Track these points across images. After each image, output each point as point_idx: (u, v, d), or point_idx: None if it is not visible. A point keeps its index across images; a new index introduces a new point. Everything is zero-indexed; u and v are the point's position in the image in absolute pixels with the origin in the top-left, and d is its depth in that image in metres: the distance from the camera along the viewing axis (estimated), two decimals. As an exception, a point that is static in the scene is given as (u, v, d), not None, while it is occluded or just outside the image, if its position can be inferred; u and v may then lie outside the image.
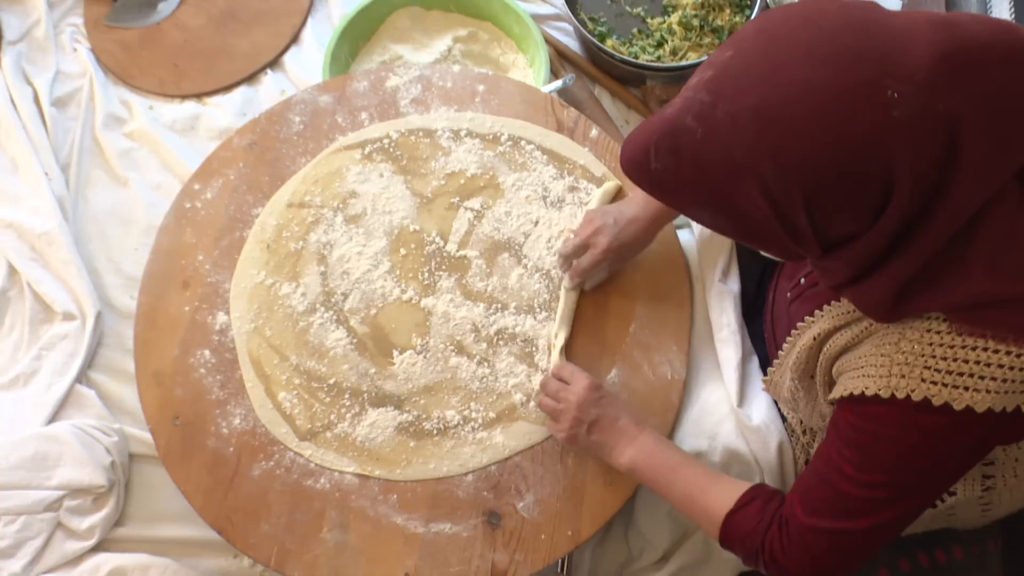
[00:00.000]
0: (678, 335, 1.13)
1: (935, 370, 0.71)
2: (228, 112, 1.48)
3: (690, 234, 1.21)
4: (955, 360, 0.70)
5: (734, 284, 1.14)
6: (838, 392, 0.80)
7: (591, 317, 1.14)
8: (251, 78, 1.53)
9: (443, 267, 1.18)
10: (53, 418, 1.22)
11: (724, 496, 0.91)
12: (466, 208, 1.21)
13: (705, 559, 1.11)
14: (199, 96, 1.52)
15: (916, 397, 0.72)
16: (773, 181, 0.65)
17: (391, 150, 1.25)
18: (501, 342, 1.13)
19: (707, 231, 1.18)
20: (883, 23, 0.64)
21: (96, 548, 1.17)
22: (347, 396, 1.11)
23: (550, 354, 1.12)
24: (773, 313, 1.09)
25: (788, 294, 1.02)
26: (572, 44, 1.53)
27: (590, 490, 1.06)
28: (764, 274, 1.16)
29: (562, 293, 1.14)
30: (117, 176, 1.43)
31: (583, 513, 1.05)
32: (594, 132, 1.25)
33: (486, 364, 1.12)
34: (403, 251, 1.19)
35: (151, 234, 1.29)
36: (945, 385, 0.71)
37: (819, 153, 0.63)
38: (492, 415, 1.10)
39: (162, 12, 1.60)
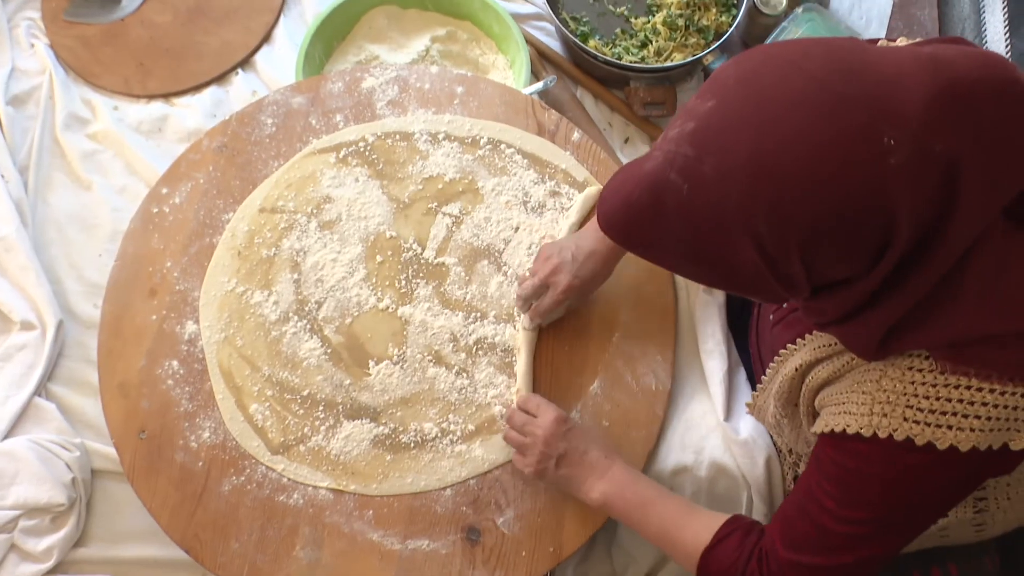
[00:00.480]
0: (663, 345, 1.13)
1: (917, 409, 0.72)
2: (197, 113, 1.46)
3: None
4: (938, 399, 0.71)
5: (720, 293, 1.15)
6: (820, 427, 0.81)
7: (572, 326, 1.14)
8: (221, 78, 1.51)
9: (420, 275, 1.17)
10: (9, 433, 1.20)
11: (701, 530, 0.91)
12: (444, 214, 1.20)
13: None
14: (166, 96, 1.50)
15: (899, 437, 0.73)
16: (768, 236, 0.65)
17: (367, 153, 1.24)
18: (480, 352, 1.13)
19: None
20: (871, 65, 0.64)
21: (54, 570, 1.15)
22: (321, 408, 1.10)
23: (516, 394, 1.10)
24: (758, 328, 1.10)
25: (771, 316, 1.02)
26: (554, 44, 1.53)
27: (572, 505, 1.06)
28: None
29: (520, 333, 1.13)
30: (80, 179, 1.41)
31: (565, 528, 1.05)
32: (576, 135, 1.25)
33: (465, 375, 1.12)
34: (379, 258, 1.18)
35: (116, 240, 1.28)
36: (928, 424, 0.71)
37: (817, 205, 0.63)
38: (471, 427, 1.10)
39: (125, 8, 1.57)
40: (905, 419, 0.72)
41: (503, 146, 1.24)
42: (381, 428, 1.09)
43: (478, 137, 1.24)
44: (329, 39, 1.48)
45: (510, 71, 1.47)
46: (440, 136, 1.25)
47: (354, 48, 1.50)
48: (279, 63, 1.52)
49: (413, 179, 1.22)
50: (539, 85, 1.40)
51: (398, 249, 1.18)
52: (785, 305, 0.99)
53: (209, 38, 1.54)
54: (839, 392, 0.79)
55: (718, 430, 1.09)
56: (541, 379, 1.12)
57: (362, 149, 1.24)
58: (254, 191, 1.22)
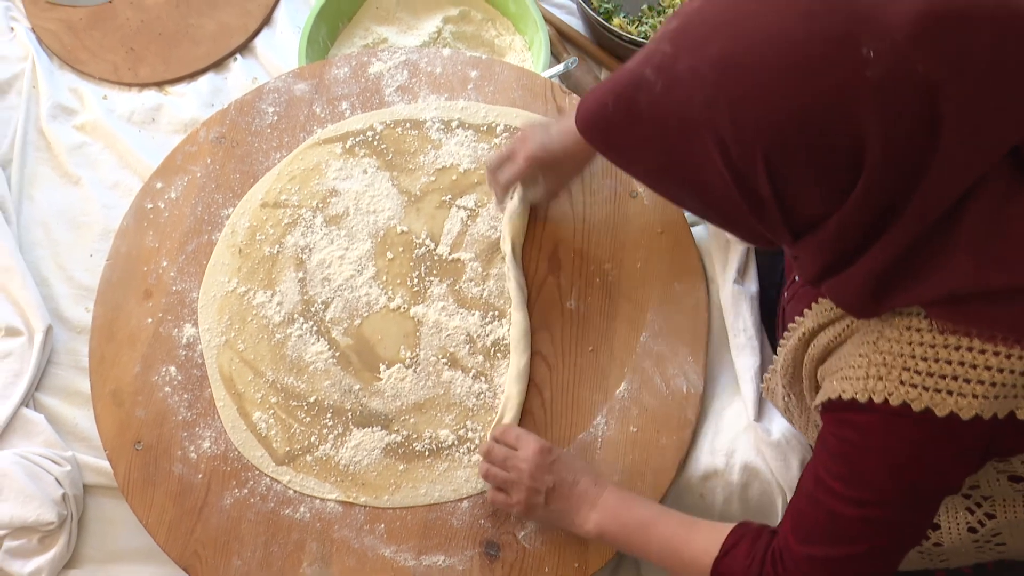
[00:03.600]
0: (694, 345, 1.18)
1: (915, 371, 0.74)
2: (193, 102, 1.51)
3: (704, 230, 1.26)
4: (936, 361, 0.73)
5: (752, 285, 1.19)
6: (820, 398, 0.84)
7: (596, 325, 1.19)
8: (218, 64, 1.56)
9: (434, 272, 1.22)
10: (-6, 447, 1.24)
11: (708, 543, 0.94)
12: (458, 206, 1.26)
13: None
14: (159, 84, 1.55)
15: (894, 401, 0.75)
16: (732, 141, 0.68)
17: (375, 143, 1.30)
18: (499, 354, 1.18)
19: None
20: None
21: (42, 593, 1.18)
22: (329, 415, 1.16)
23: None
24: (784, 317, 1.14)
25: (785, 293, 1.05)
26: (575, 23, 1.58)
27: (599, 517, 1.10)
28: (784, 274, 1.20)
29: (504, 225, 1.18)
30: (67, 174, 1.46)
31: (590, 544, 1.09)
32: (600, 122, 1.30)
33: (483, 378, 1.17)
34: (389, 255, 1.24)
35: (107, 238, 1.32)
36: (926, 388, 0.73)
37: (782, 110, 0.66)
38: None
39: (114, -12, 1.63)
40: (902, 382, 0.74)
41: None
42: (393, 436, 1.15)
43: (494, 124, 1.30)
44: (334, 21, 1.53)
45: (528, 53, 1.52)
46: (453, 124, 1.31)
47: (360, 30, 1.56)
48: (280, 47, 1.56)
49: (425, 170, 1.28)
50: (559, 68, 1.45)
51: (410, 245, 1.24)
52: (797, 278, 1.02)
53: (205, 21, 1.59)
54: (839, 359, 0.82)
55: (750, 431, 1.13)
56: (562, 382, 1.17)
57: (370, 138, 1.30)
58: (255, 185, 1.28)
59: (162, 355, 1.20)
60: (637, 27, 1.53)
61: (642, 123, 0.73)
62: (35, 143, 1.49)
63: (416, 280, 1.22)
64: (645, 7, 1.56)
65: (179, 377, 1.19)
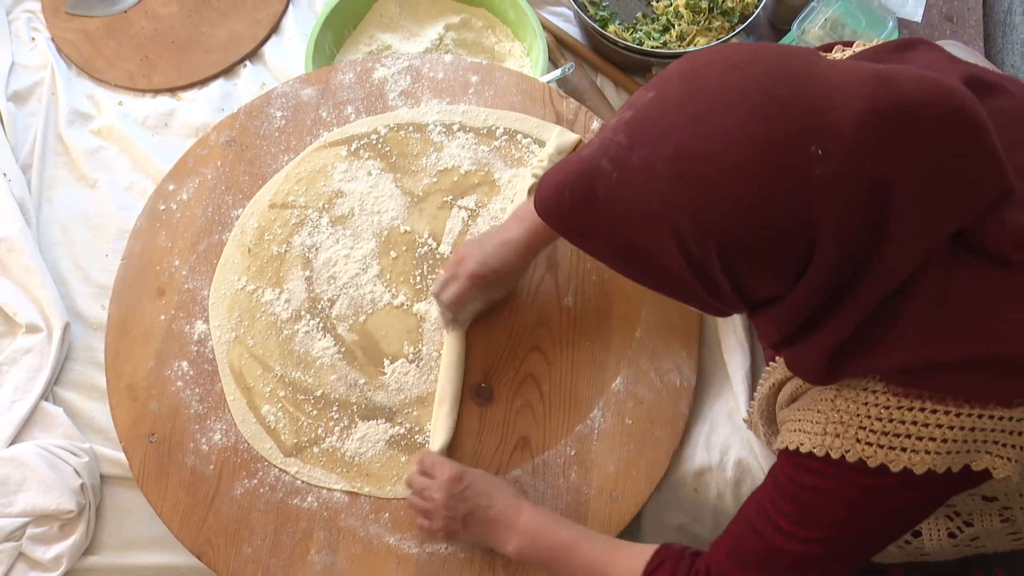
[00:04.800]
0: (687, 340, 1.17)
1: (870, 431, 0.74)
2: (204, 107, 1.52)
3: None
4: (891, 421, 0.74)
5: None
6: (778, 443, 0.84)
7: (594, 321, 1.19)
8: (228, 71, 1.57)
9: (436, 270, 1.22)
10: (16, 439, 1.25)
11: (631, 566, 0.93)
12: (460, 207, 1.26)
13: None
14: (172, 90, 1.56)
15: (851, 458, 0.75)
16: (689, 236, 0.68)
17: (379, 146, 1.30)
18: (499, 349, 1.18)
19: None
20: (819, 76, 0.66)
21: (63, 579, 1.19)
22: (335, 408, 1.16)
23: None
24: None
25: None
26: (572, 30, 1.58)
27: (594, 505, 1.10)
28: None
29: (445, 339, 1.16)
30: (84, 177, 1.47)
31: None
32: (596, 124, 1.30)
33: (483, 373, 1.17)
34: (393, 253, 1.24)
35: (122, 239, 1.32)
36: (880, 447, 0.74)
37: (737, 212, 0.66)
38: (490, 428, 1.15)
39: (129, -1, 1.64)
40: (857, 440, 0.75)
41: (520, 136, 1.29)
42: (396, 428, 1.15)
43: (494, 127, 1.30)
44: (339, 29, 1.54)
45: (527, 59, 1.52)
46: (455, 127, 1.30)
47: (365, 38, 1.56)
48: (288, 54, 1.57)
49: (427, 172, 1.28)
50: (557, 73, 1.45)
51: (413, 244, 1.24)
52: None
53: (215, 30, 1.60)
54: (798, 410, 0.82)
55: (743, 429, 1.13)
56: (560, 376, 1.17)
57: (374, 141, 1.30)
58: (264, 186, 1.28)
59: (175, 351, 1.20)
60: (632, 34, 1.52)
61: (598, 211, 0.74)
62: (54, 148, 1.50)
63: (419, 278, 1.22)
64: (639, 15, 1.55)
65: (191, 372, 1.19)
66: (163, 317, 1.22)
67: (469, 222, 1.25)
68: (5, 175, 1.43)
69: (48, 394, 1.30)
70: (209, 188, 1.29)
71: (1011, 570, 1.32)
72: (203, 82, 1.56)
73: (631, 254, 0.74)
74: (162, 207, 1.28)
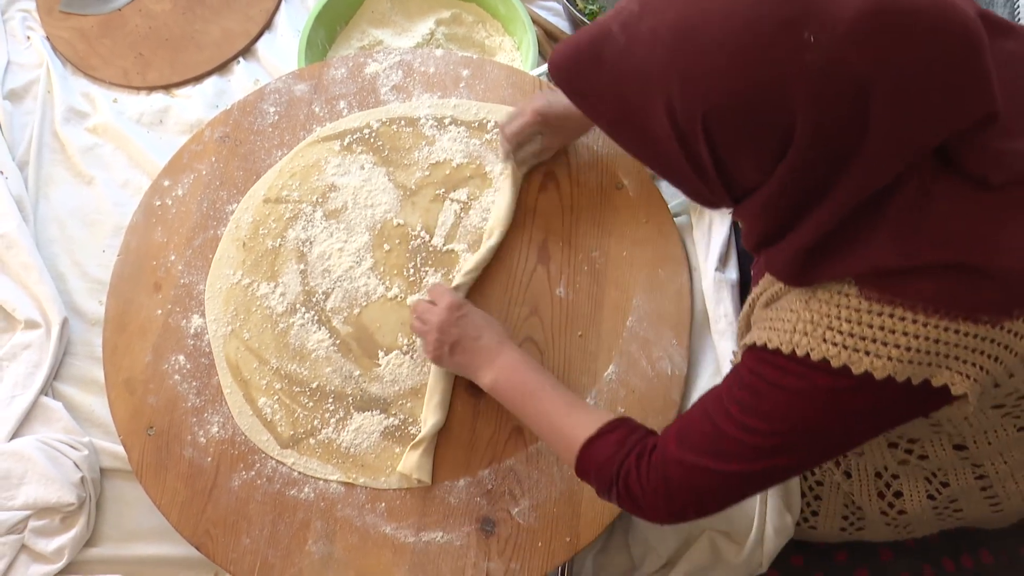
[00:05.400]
0: (678, 329, 1.17)
1: (838, 332, 0.74)
2: (198, 104, 1.52)
3: (686, 220, 1.26)
4: (859, 324, 0.74)
5: (733, 272, 1.19)
6: (747, 339, 0.84)
7: (584, 311, 1.18)
8: (222, 67, 1.57)
9: (429, 262, 1.22)
10: (16, 433, 1.26)
11: (586, 423, 0.94)
12: (452, 200, 1.25)
13: (712, 564, 1.15)
14: (167, 87, 1.56)
15: (815, 356, 0.75)
16: (678, 102, 0.70)
17: (372, 140, 1.29)
18: (492, 340, 1.18)
19: (705, 217, 1.22)
20: None
21: (65, 571, 1.20)
22: (331, 400, 1.16)
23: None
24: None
25: (752, 271, 1.06)
26: (562, 24, 1.58)
27: (588, 494, 1.10)
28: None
29: (506, 176, 1.22)
30: (80, 174, 1.47)
31: (581, 518, 1.09)
32: (586, 117, 1.29)
33: (476, 364, 1.17)
34: (386, 246, 1.23)
35: (119, 235, 1.33)
36: (845, 348, 0.74)
37: (724, 80, 0.67)
38: (484, 417, 1.14)
39: (123, -3, 1.64)
40: (824, 340, 0.75)
41: (511, 129, 1.29)
42: (391, 420, 1.14)
43: (485, 120, 1.29)
44: (331, 24, 1.53)
45: (517, 53, 1.52)
46: (446, 121, 1.30)
47: (357, 33, 1.56)
48: (281, 50, 1.57)
49: (419, 165, 1.27)
50: (546, 66, 1.44)
51: (406, 237, 1.23)
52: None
53: (209, 27, 1.60)
54: (773, 310, 0.83)
55: None
56: (553, 366, 1.16)
57: (367, 136, 1.29)
58: (258, 181, 1.28)
59: (172, 345, 1.20)
60: (621, 26, 1.51)
61: (604, 74, 0.75)
62: (50, 145, 1.50)
63: (412, 270, 1.21)
64: (629, 7, 1.54)
65: (188, 365, 1.18)
66: (160, 311, 1.21)
67: (461, 215, 1.24)
68: (2, 173, 1.43)
69: (47, 389, 1.31)
70: (204, 184, 1.28)
71: (997, 551, 1.32)
72: (197, 79, 1.57)
73: (629, 120, 0.76)
74: (157, 203, 1.28)
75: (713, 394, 0.86)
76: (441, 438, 1.13)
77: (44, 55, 1.57)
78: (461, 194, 1.25)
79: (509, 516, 1.10)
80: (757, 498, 1.12)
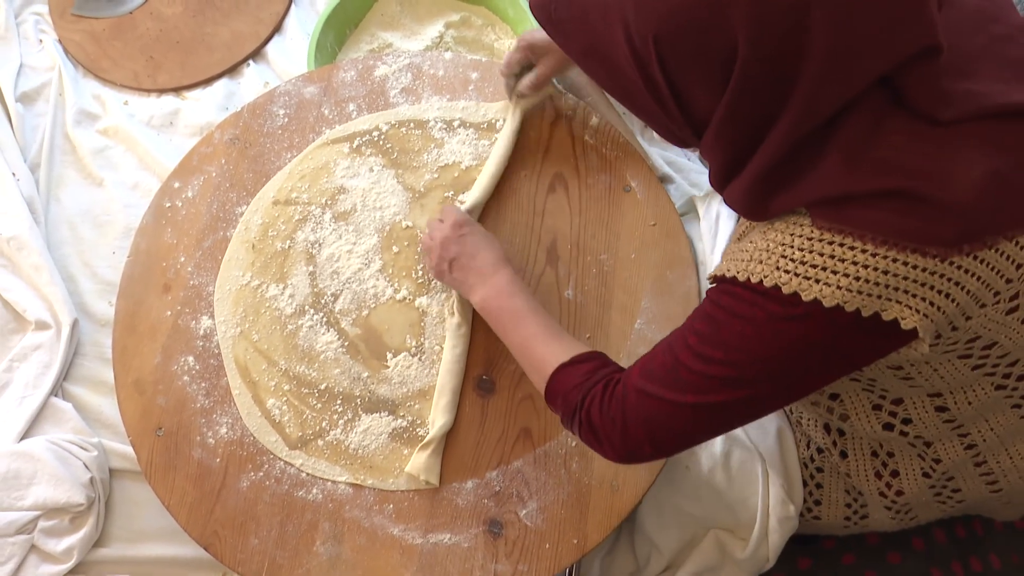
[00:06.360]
0: (686, 331, 1.16)
1: (790, 259, 0.75)
2: (208, 106, 1.52)
3: (694, 217, 1.25)
4: (810, 252, 0.74)
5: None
6: (710, 272, 0.86)
7: (593, 314, 1.18)
8: (232, 70, 1.57)
9: (438, 265, 1.21)
10: (26, 434, 1.26)
11: (561, 351, 0.96)
12: (461, 202, 1.24)
13: (720, 563, 1.15)
14: (177, 90, 1.56)
15: (768, 283, 0.76)
16: (633, 25, 0.72)
17: (381, 143, 1.29)
18: (500, 342, 1.17)
19: (712, 212, 1.22)
20: None
21: (75, 571, 1.20)
22: (339, 402, 1.15)
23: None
24: None
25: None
26: (570, 27, 1.57)
27: (596, 495, 1.09)
28: None
29: (447, 332, 1.16)
30: (91, 175, 1.47)
31: (589, 520, 1.08)
32: (594, 120, 1.28)
33: (485, 366, 1.16)
34: (395, 248, 1.22)
35: (129, 236, 1.33)
36: (796, 275, 0.74)
37: (668, 4, 0.70)
38: (492, 419, 1.14)
39: (134, 0, 1.63)
40: (777, 268, 0.76)
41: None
42: (399, 421, 1.13)
43: (494, 121, 1.28)
44: (341, 27, 1.53)
45: (526, 55, 1.51)
46: (455, 123, 1.29)
47: (366, 36, 1.55)
48: (291, 53, 1.57)
49: (428, 167, 1.27)
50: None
51: (414, 239, 1.23)
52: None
53: (219, 29, 1.59)
54: (738, 244, 0.84)
55: None
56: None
57: (376, 138, 1.29)
58: (267, 183, 1.27)
59: (181, 346, 1.19)
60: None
61: (574, 5, 0.79)
62: (61, 147, 1.51)
63: (420, 272, 1.21)
64: (637, 10, 1.54)
65: (197, 367, 1.18)
66: (169, 313, 1.21)
67: (470, 217, 1.24)
68: (14, 175, 1.43)
69: (57, 389, 1.31)
70: (214, 185, 1.28)
71: (1006, 554, 1.31)
72: (207, 81, 1.56)
73: (596, 49, 0.78)
74: (167, 204, 1.27)
75: (677, 331, 0.87)
76: (449, 440, 1.12)
77: (56, 58, 1.58)
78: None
79: (517, 518, 1.09)
80: (759, 489, 1.11)
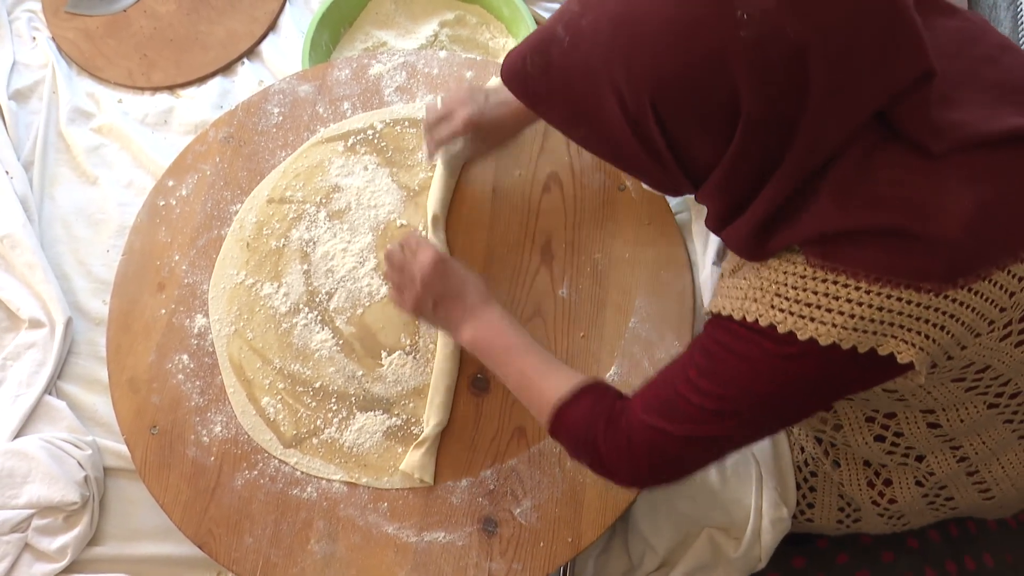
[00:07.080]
0: (680, 330, 1.16)
1: (784, 298, 0.75)
2: (203, 104, 1.52)
3: (687, 216, 1.25)
4: (804, 291, 0.74)
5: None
6: (707, 307, 0.86)
7: (588, 312, 1.18)
8: (226, 68, 1.57)
9: (432, 263, 1.21)
10: (20, 432, 1.25)
11: (560, 384, 0.95)
12: (423, 229, 1.24)
13: (713, 562, 1.15)
14: (171, 88, 1.55)
15: (763, 322, 0.76)
16: (626, 90, 0.71)
17: (375, 141, 1.28)
18: (495, 341, 1.17)
19: (705, 212, 1.22)
20: None
21: (69, 570, 1.20)
22: (333, 400, 1.15)
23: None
24: None
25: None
26: (565, 26, 1.57)
27: (590, 494, 1.09)
28: None
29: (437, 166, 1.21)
30: (85, 174, 1.46)
31: (583, 518, 1.08)
32: (589, 119, 1.28)
33: (479, 364, 1.16)
34: (390, 247, 1.22)
35: (123, 235, 1.32)
36: (792, 314, 0.74)
37: (666, 64, 0.69)
38: (486, 418, 1.13)
39: (128, -2, 1.63)
40: (772, 306, 0.76)
41: (514, 131, 1.28)
42: (393, 420, 1.13)
43: (489, 122, 1.28)
44: (335, 26, 1.53)
45: (521, 54, 1.51)
46: (450, 122, 1.29)
47: (361, 35, 1.55)
48: (285, 52, 1.57)
49: (423, 166, 1.26)
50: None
51: (409, 238, 1.23)
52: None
53: (214, 28, 1.59)
54: (732, 280, 0.84)
55: None
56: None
57: (370, 137, 1.28)
58: (262, 182, 1.27)
59: (175, 344, 1.19)
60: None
61: (553, 75, 0.77)
62: (55, 145, 1.50)
63: (415, 271, 1.20)
64: (631, 10, 1.54)
65: (191, 365, 1.17)
66: (163, 311, 1.20)
67: (464, 215, 1.23)
68: (7, 172, 1.43)
69: (51, 388, 1.31)
70: (208, 184, 1.27)
71: (1000, 553, 1.31)
72: (201, 80, 1.56)
73: (583, 115, 0.77)
74: (162, 203, 1.27)
75: (676, 362, 0.87)
76: (444, 438, 1.12)
77: (49, 55, 1.57)
78: (464, 195, 1.25)
79: (511, 516, 1.09)
80: (753, 490, 1.11)
